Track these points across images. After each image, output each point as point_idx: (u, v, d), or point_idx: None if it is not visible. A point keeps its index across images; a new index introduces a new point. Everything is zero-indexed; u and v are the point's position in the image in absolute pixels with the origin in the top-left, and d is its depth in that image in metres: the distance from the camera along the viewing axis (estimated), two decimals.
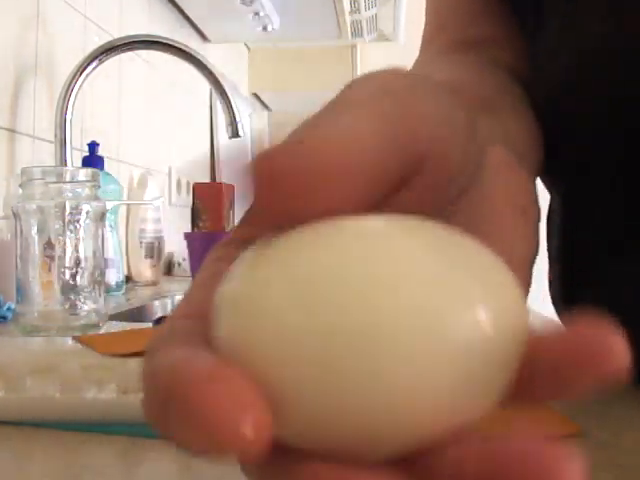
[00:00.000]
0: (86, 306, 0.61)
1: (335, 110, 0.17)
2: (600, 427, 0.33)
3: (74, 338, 0.48)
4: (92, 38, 1.20)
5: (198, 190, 1.43)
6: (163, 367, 0.14)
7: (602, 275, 0.43)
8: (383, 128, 0.17)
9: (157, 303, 1.04)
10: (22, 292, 0.61)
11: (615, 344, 0.13)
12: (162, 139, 1.56)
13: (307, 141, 0.15)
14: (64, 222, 0.60)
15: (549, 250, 0.49)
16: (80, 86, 1.01)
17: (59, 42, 1.10)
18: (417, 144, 0.17)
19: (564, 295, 0.47)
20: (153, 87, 1.51)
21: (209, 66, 1.07)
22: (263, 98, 2.53)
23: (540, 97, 0.38)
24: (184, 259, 1.42)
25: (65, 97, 0.99)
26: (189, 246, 1.24)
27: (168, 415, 0.13)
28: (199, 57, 1.07)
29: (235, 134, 1.08)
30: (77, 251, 0.61)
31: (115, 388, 0.34)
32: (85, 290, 0.61)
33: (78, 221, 0.61)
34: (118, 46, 1.05)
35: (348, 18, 1.81)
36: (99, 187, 0.63)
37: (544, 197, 0.34)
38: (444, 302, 0.14)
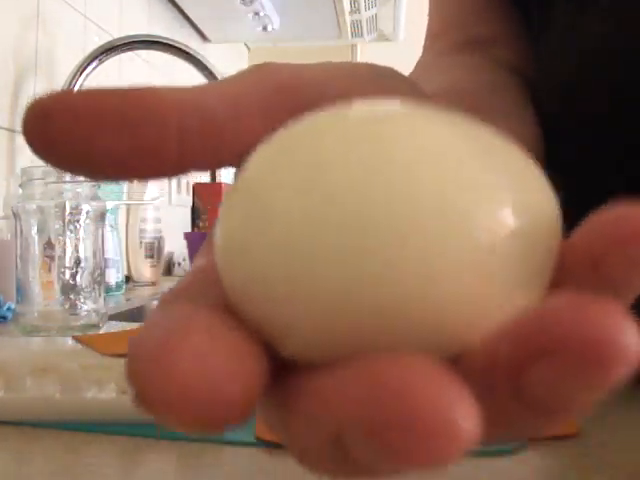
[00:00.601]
0: (86, 306, 0.61)
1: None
2: (599, 427, 0.33)
3: (74, 338, 0.48)
4: (92, 38, 1.20)
5: (198, 190, 1.43)
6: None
7: None
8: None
9: (157, 303, 1.04)
10: (22, 292, 0.61)
11: None
12: None
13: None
14: (64, 222, 0.60)
15: None
16: (80, 86, 1.01)
17: (59, 42, 1.10)
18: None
19: None
20: None
21: (209, 66, 1.07)
22: None
23: (542, 97, 0.38)
24: (184, 259, 1.42)
25: None
26: (189, 246, 1.24)
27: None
28: (199, 57, 1.07)
29: None
30: (77, 251, 0.61)
31: (115, 388, 0.34)
32: (85, 290, 0.61)
33: (78, 221, 0.61)
34: (118, 46, 1.05)
35: (348, 18, 1.81)
36: (99, 187, 0.63)
37: None
38: (473, 194, 0.12)
